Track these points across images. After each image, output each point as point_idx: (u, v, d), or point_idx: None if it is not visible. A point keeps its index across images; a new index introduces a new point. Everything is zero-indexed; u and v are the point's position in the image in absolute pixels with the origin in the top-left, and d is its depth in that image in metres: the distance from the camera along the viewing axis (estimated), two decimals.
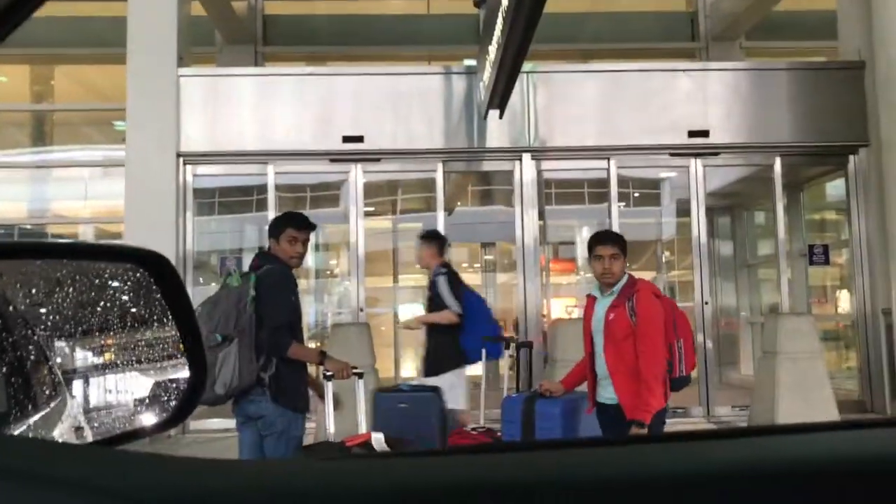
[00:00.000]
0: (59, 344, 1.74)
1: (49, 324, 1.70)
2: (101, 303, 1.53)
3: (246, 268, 4.31)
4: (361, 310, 8.44)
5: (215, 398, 3.72)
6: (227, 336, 3.71)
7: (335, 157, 8.53)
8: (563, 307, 10.88)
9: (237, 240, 9.78)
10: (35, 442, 0.86)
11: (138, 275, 1.29)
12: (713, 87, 8.75)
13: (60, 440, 1.52)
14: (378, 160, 8.59)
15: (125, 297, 1.50)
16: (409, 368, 9.68)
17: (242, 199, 9.56)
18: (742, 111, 8.71)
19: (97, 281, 1.49)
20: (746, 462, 0.56)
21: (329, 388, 4.30)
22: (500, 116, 7.66)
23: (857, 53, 8.63)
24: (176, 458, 0.54)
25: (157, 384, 1.52)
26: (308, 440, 4.73)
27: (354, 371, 4.21)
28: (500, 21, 5.87)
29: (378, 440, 3.96)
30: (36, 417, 1.53)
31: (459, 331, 5.55)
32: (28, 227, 10.50)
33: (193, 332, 1.24)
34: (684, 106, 8.61)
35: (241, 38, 10.77)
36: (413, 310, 8.35)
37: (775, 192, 8.77)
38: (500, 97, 6.97)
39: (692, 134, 8.52)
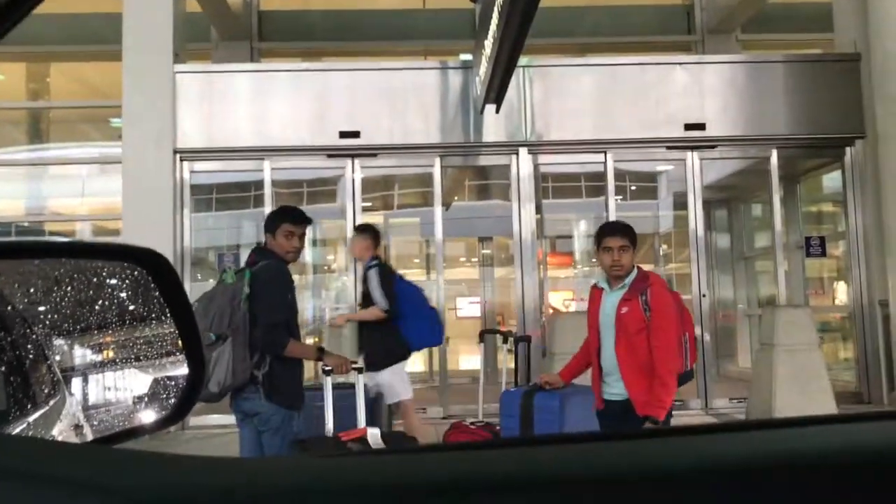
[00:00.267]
0: (58, 342, 1.74)
1: (48, 322, 1.70)
2: (100, 301, 1.53)
3: (243, 263, 4.31)
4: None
5: (209, 396, 3.72)
6: (220, 335, 3.70)
7: (332, 153, 8.52)
8: (560, 300, 10.89)
9: (234, 236, 9.76)
10: (34, 441, 0.86)
11: (136, 273, 1.29)
12: (709, 80, 8.74)
13: (60, 438, 1.52)
14: (375, 155, 8.59)
15: (123, 295, 1.50)
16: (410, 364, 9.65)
17: (239, 195, 9.55)
18: (738, 104, 8.71)
19: (95, 279, 1.49)
20: (746, 456, 0.56)
21: (328, 383, 4.30)
22: (497, 111, 7.65)
23: (853, 46, 8.63)
24: (175, 457, 0.54)
25: (156, 381, 1.52)
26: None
27: (353, 366, 4.21)
28: (495, 15, 5.86)
29: (374, 435, 3.95)
30: (35, 416, 1.53)
31: (399, 323, 5.56)
32: (25, 224, 10.46)
33: (191, 329, 1.25)
34: (680, 99, 8.61)
35: (237, 34, 10.76)
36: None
37: (772, 185, 8.77)
38: (496, 92, 6.96)
39: (689, 127, 8.52)
